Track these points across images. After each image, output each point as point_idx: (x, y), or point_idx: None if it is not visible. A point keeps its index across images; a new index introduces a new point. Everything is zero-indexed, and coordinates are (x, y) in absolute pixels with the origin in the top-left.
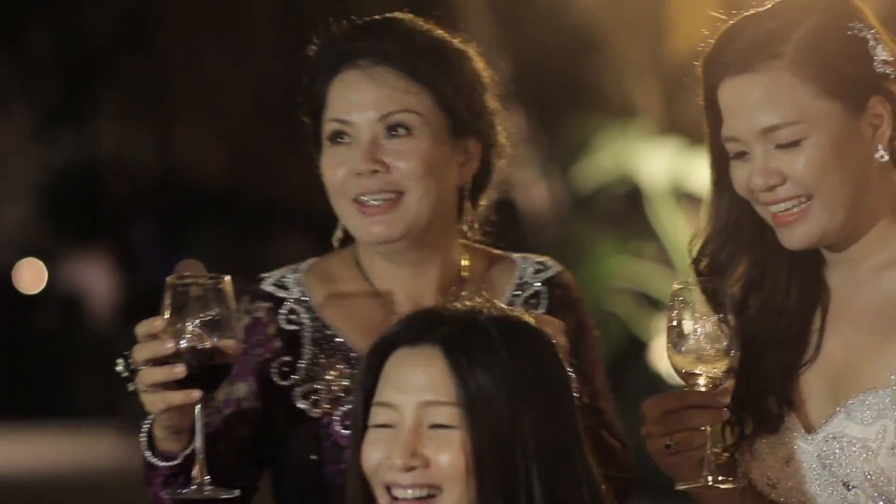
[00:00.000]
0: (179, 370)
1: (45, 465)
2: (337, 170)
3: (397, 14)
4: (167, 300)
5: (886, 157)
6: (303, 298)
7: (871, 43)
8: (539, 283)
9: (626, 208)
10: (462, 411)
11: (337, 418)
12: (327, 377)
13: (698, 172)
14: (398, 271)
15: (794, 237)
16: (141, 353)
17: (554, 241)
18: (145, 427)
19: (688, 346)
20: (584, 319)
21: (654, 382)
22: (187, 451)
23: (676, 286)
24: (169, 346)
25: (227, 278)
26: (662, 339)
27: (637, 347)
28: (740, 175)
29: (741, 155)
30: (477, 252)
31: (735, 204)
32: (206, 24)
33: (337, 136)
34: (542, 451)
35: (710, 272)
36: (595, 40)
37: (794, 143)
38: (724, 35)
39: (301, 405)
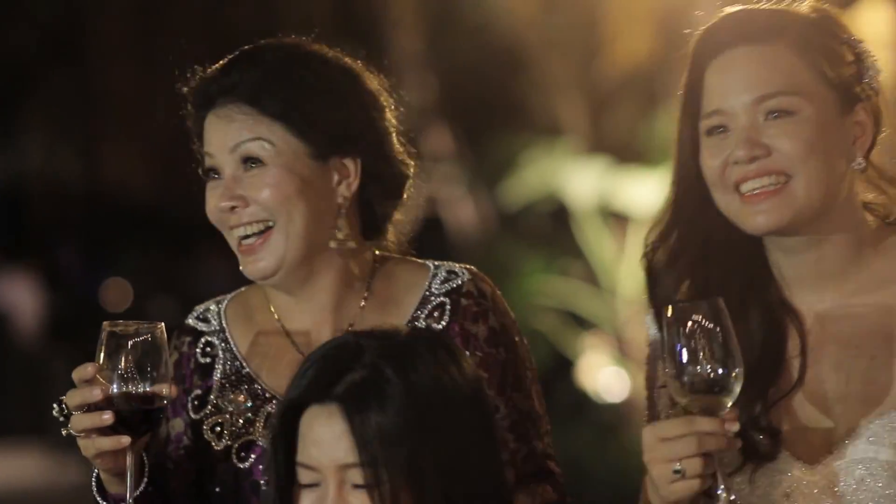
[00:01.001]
0: (107, 417)
1: None
2: (211, 202)
3: (273, 40)
4: (101, 345)
5: (863, 166)
6: (220, 331)
7: (862, 55)
8: (443, 296)
9: (553, 226)
10: (368, 471)
11: (235, 451)
12: (230, 409)
13: (624, 191)
14: (292, 299)
15: (763, 216)
16: (72, 398)
17: (480, 259)
18: (95, 471)
19: (691, 371)
20: (500, 327)
21: (581, 401)
22: (136, 493)
23: (669, 309)
24: (96, 394)
25: (161, 325)
26: (593, 359)
27: (563, 366)
28: (715, 152)
29: (719, 131)
30: (386, 263)
31: (699, 199)
32: (134, 40)
33: (210, 173)
34: (462, 486)
35: (666, 263)
36: (522, 59)
37: (787, 113)
38: (725, 16)
39: (207, 437)
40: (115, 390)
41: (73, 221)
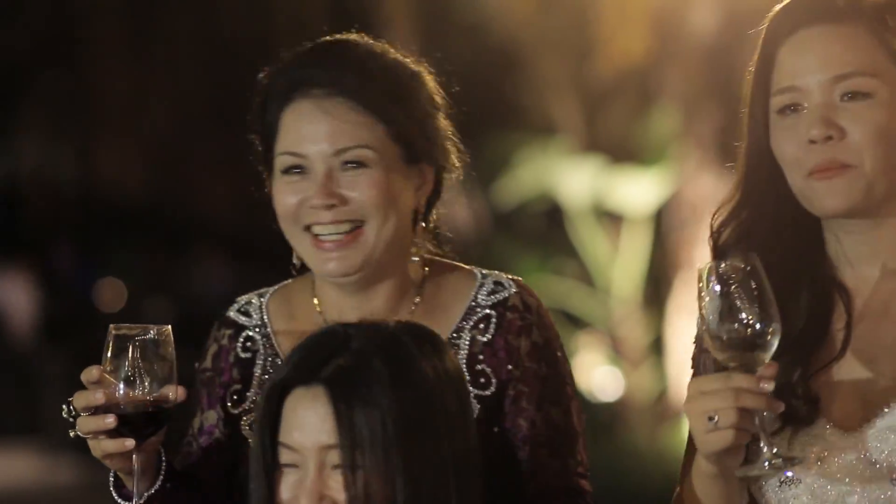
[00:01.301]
0: (109, 421)
1: None
2: (289, 198)
3: (351, 37)
4: (107, 348)
5: None
6: (262, 326)
7: None
8: (489, 308)
9: (547, 226)
10: (345, 453)
11: None
12: None
13: (618, 190)
14: (348, 300)
15: (832, 199)
16: (78, 401)
17: (474, 258)
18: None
19: (727, 327)
20: (543, 342)
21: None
22: (151, 492)
23: (703, 266)
24: (98, 397)
25: (168, 328)
26: (587, 358)
27: None
28: (789, 135)
29: (793, 109)
30: (436, 269)
31: (768, 182)
32: (129, 40)
33: (291, 169)
34: (431, 484)
35: (735, 243)
36: (517, 58)
37: (863, 96)
38: None
39: (245, 433)
40: (120, 393)
41: (67, 221)
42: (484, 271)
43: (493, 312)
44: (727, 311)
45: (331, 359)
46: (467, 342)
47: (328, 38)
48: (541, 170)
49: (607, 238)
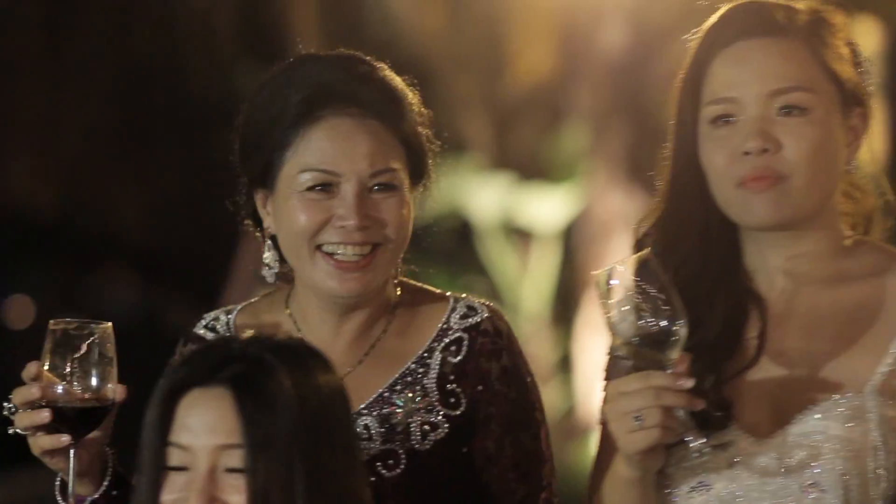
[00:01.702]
0: (44, 416)
1: None
2: (310, 216)
3: (359, 54)
4: (47, 344)
5: (854, 169)
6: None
7: (861, 58)
8: (461, 331)
9: (456, 243)
10: (249, 454)
11: None
12: None
13: (528, 208)
14: (329, 316)
15: (764, 211)
16: (17, 396)
17: None
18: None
19: (634, 327)
20: (513, 367)
21: None
22: (95, 496)
23: (602, 270)
24: (34, 392)
25: (108, 325)
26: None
27: None
28: (721, 144)
29: (726, 120)
30: (410, 291)
31: (693, 192)
32: (40, 57)
33: (317, 186)
34: (327, 490)
35: (659, 253)
36: (427, 74)
37: (800, 110)
38: (737, 7)
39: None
40: (58, 389)
41: None
42: (457, 295)
43: (464, 335)
44: (632, 312)
45: (229, 363)
46: (438, 362)
47: (342, 52)
48: (450, 187)
49: (516, 255)
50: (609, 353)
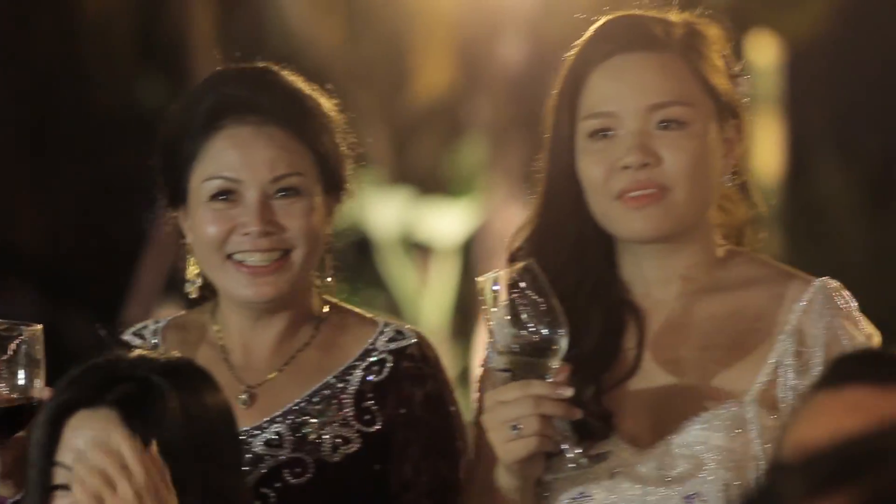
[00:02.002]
0: None
1: None
2: (216, 226)
3: (266, 65)
4: None
5: (731, 181)
6: (153, 348)
7: (737, 73)
8: (386, 353)
9: (356, 257)
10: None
11: None
12: None
13: (427, 222)
14: (250, 323)
15: (643, 224)
16: None
17: None
18: None
19: (515, 335)
20: (437, 394)
21: None
22: (16, 499)
23: (484, 277)
24: None
25: (39, 327)
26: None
27: None
28: (599, 158)
29: (605, 133)
30: (338, 310)
31: (568, 205)
32: None
33: (221, 195)
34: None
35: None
36: (326, 88)
37: (679, 124)
38: (613, 21)
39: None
40: None
41: None
42: (389, 321)
43: (389, 357)
44: (514, 319)
45: (116, 383)
46: (358, 380)
47: (247, 64)
48: (350, 201)
49: (416, 269)
50: (484, 365)
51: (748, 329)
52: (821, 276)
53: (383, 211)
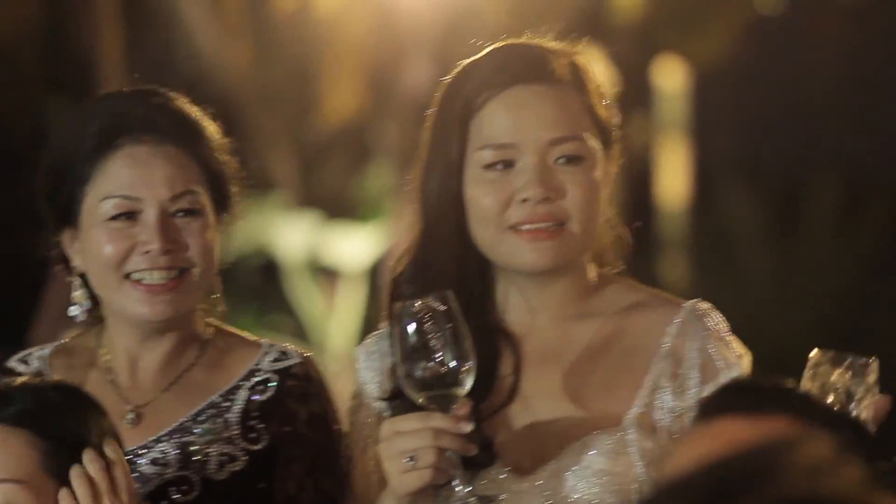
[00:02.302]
0: None
1: None
2: (114, 245)
3: (154, 87)
4: None
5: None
6: (38, 374)
7: (611, 101)
8: (271, 372)
9: (263, 281)
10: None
11: None
12: None
13: (334, 246)
14: (137, 344)
15: (539, 255)
16: None
17: None
18: None
19: (422, 367)
20: (321, 413)
21: None
22: None
23: (398, 306)
24: None
25: None
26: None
27: None
28: (494, 188)
29: (500, 166)
30: (223, 333)
31: (451, 230)
32: None
33: (120, 215)
34: None
35: (416, 293)
36: (234, 111)
37: (578, 159)
38: (507, 49)
39: None
40: None
41: None
42: (272, 342)
43: (273, 376)
44: (421, 349)
45: (13, 402)
46: (243, 399)
47: (137, 87)
48: (257, 225)
49: (323, 294)
50: (382, 396)
51: (624, 353)
52: (726, 302)
53: (290, 235)
